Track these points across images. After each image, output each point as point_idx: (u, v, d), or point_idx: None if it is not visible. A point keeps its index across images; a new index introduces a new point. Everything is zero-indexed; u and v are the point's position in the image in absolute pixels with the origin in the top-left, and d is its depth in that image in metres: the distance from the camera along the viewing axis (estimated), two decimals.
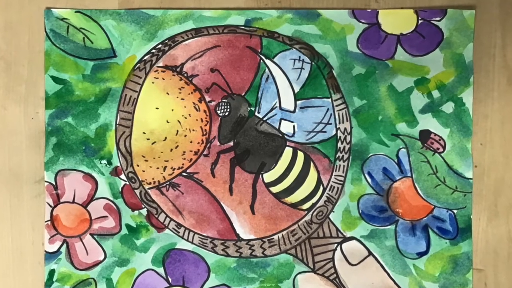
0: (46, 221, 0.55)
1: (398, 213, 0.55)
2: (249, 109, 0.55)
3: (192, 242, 0.55)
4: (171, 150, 0.54)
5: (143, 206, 0.55)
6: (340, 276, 0.55)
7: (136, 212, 0.55)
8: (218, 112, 0.55)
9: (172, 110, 0.54)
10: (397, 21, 0.54)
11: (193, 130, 0.54)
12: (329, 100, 0.55)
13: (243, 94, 0.55)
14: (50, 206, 0.55)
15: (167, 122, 0.54)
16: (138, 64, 0.55)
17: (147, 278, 0.55)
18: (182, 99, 0.54)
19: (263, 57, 0.55)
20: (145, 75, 0.55)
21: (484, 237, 0.55)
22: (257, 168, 0.55)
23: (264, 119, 0.55)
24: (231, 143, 0.55)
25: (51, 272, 0.55)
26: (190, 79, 0.55)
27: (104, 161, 0.55)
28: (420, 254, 0.55)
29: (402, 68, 0.54)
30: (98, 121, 0.55)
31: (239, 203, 0.55)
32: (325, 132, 0.54)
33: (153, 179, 0.55)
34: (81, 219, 0.55)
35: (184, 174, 0.55)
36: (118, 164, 0.55)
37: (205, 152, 0.55)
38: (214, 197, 0.55)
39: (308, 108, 0.54)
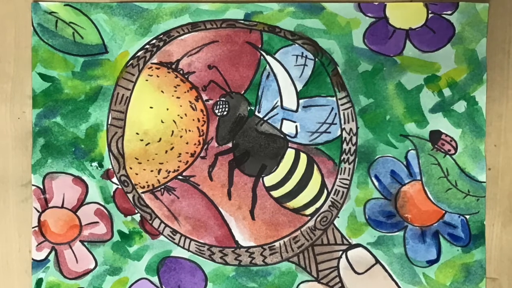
0: (33, 227, 0.54)
1: (407, 219, 0.54)
2: (248, 108, 0.54)
3: (188, 250, 0.54)
4: (166, 151, 0.54)
5: (136, 211, 0.54)
6: (346, 286, 0.54)
7: (129, 217, 0.54)
8: (216, 111, 0.54)
9: (167, 109, 0.53)
10: (406, 15, 0.53)
11: (190, 130, 0.53)
12: (334, 98, 0.54)
13: (242, 93, 0.54)
14: (38, 211, 0.54)
15: (162, 122, 0.53)
16: (131, 61, 0.54)
17: (141, 287, 0.54)
18: (178, 97, 0.54)
19: (263, 53, 0.54)
20: (139, 72, 0.54)
21: (498, 244, 0.54)
22: (257, 171, 0.54)
23: (265, 119, 0.54)
24: (230, 145, 0.54)
25: (39, 282, 0.54)
26: (186, 76, 0.54)
27: (95, 164, 0.54)
28: (431, 262, 0.54)
29: (411, 65, 0.53)
30: (88, 121, 0.54)
31: (238, 208, 0.54)
32: (329, 132, 0.54)
33: (147, 182, 0.54)
34: (71, 225, 0.54)
35: (179, 177, 0.54)
36: (110, 167, 0.54)
37: (202, 154, 0.54)
38: (212, 202, 0.54)
39: (311, 107, 0.54)
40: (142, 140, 0.54)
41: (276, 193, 0.54)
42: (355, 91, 0.54)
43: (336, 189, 0.54)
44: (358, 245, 0.54)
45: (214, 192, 0.54)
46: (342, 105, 0.54)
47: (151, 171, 0.54)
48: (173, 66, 0.54)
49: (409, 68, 0.53)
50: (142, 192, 0.54)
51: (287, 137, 0.54)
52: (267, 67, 0.54)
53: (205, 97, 0.54)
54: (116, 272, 0.54)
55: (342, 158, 0.54)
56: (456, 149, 0.53)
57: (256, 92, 0.54)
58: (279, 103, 0.54)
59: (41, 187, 0.54)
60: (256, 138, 0.54)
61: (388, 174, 0.54)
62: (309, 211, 0.54)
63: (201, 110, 0.54)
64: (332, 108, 0.54)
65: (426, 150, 0.53)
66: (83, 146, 0.54)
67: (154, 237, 0.54)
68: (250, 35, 0.54)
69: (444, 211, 0.54)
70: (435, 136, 0.53)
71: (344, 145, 0.54)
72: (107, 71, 0.54)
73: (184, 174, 0.54)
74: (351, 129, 0.54)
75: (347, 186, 0.54)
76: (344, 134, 0.54)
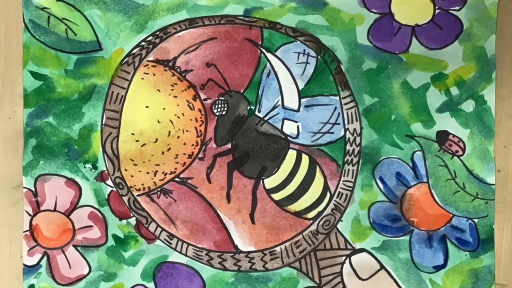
0: (24, 232, 0.54)
1: (413, 223, 0.53)
2: (248, 107, 0.53)
3: (185, 255, 0.54)
4: (163, 153, 0.53)
5: (131, 215, 0.54)
6: None
7: (124, 221, 0.54)
8: (215, 111, 0.53)
9: (164, 109, 0.53)
10: (411, 11, 0.53)
11: (187, 131, 0.53)
12: (337, 97, 0.53)
13: (242, 91, 0.53)
14: (29, 214, 0.54)
15: (158, 122, 0.53)
16: (126, 58, 0.54)
17: None
18: (175, 96, 0.53)
19: (264, 51, 0.53)
20: (134, 71, 0.53)
21: (508, 249, 0.54)
22: (257, 172, 0.53)
23: (265, 118, 0.54)
24: (229, 145, 0.53)
25: None
26: (183, 74, 0.53)
27: (88, 165, 0.54)
28: (437, 268, 0.53)
29: (418, 62, 0.53)
30: (82, 121, 0.53)
31: (238, 212, 0.54)
32: (332, 133, 0.53)
33: (142, 185, 0.53)
34: (64, 229, 0.54)
35: (177, 179, 0.53)
36: (104, 169, 0.54)
37: (200, 155, 0.53)
38: (210, 205, 0.54)
39: (313, 106, 0.53)
40: (137, 140, 0.53)
41: (277, 196, 0.53)
42: (359, 90, 0.53)
43: (339, 192, 0.53)
44: (362, 250, 0.53)
45: (213, 195, 0.53)
46: (345, 104, 0.53)
47: (147, 173, 0.53)
48: (170, 64, 0.53)
49: (415, 66, 0.53)
50: (138, 195, 0.53)
51: (289, 137, 0.53)
52: (268, 65, 0.53)
53: (203, 96, 0.53)
54: (111, 278, 0.54)
55: (345, 159, 0.53)
56: (464, 150, 0.53)
57: (256, 91, 0.53)
58: (280, 103, 0.53)
59: (33, 189, 0.53)
60: (256, 138, 0.53)
61: (394, 176, 0.53)
62: (311, 214, 0.53)
63: (199, 110, 0.53)
64: (335, 108, 0.53)
65: (432, 151, 0.53)
66: (76, 147, 0.53)
67: (150, 242, 0.54)
68: (250, 31, 0.53)
69: (451, 215, 0.53)
70: (442, 136, 0.53)
71: (348, 146, 0.53)
72: (101, 69, 0.53)
73: (181, 176, 0.53)
74: (355, 130, 0.53)
75: (350, 188, 0.53)
76: (348, 135, 0.53)
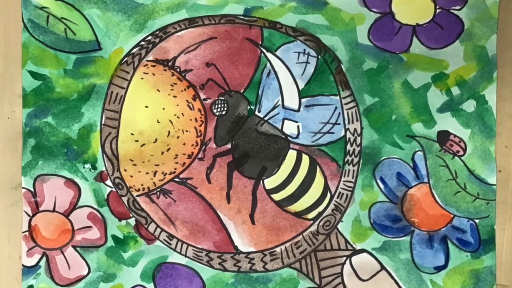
0: (23, 232, 0.53)
1: (413, 223, 0.53)
2: (248, 107, 0.53)
3: (185, 255, 0.54)
4: (162, 153, 0.53)
5: (131, 215, 0.54)
6: None
7: (124, 221, 0.54)
8: (214, 111, 0.53)
9: (163, 108, 0.53)
10: (412, 10, 0.53)
11: (187, 131, 0.53)
12: (337, 97, 0.53)
13: (242, 91, 0.53)
14: (28, 215, 0.53)
15: (158, 122, 0.53)
16: (126, 58, 0.53)
17: None
18: (174, 96, 0.53)
19: (264, 50, 0.53)
20: (134, 70, 0.53)
21: (509, 249, 0.53)
22: (257, 173, 0.53)
23: (265, 118, 0.53)
24: (229, 146, 0.53)
25: None
26: (183, 74, 0.53)
27: (88, 166, 0.53)
28: (438, 269, 0.53)
29: (418, 62, 0.53)
30: (81, 121, 0.53)
31: (238, 212, 0.53)
32: (332, 133, 0.53)
33: (142, 185, 0.53)
34: (63, 230, 0.53)
35: (176, 179, 0.53)
36: (104, 169, 0.53)
37: (199, 156, 0.53)
38: (210, 205, 0.53)
39: (314, 106, 0.53)
40: (137, 140, 0.53)
41: (277, 196, 0.53)
42: (360, 90, 0.53)
43: (339, 192, 0.53)
44: (362, 251, 0.53)
45: (212, 195, 0.53)
46: (346, 104, 0.53)
47: (147, 173, 0.53)
48: (170, 64, 0.53)
49: (416, 65, 0.53)
50: (137, 195, 0.53)
51: (289, 137, 0.53)
52: (268, 64, 0.53)
53: (203, 96, 0.53)
54: (110, 278, 0.53)
55: (346, 159, 0.53)
56: (465, 150, 0.53)
57: (256, 90, 0.53)
58: (280, 102, 0.53)
59: (32, 190, 0.53)
60: (256, 139, 0.53)
61: (394, 176, 0.53)
62: (311, 215, 0.53)
63: (199, 110, 0.53)
64: (336, 108, 0.53)
65: (433, 151, 0.53)
66: (75, 147, 0.53)
67: (149, 242, 0.53)
68: (250, 31, 0.53)
69: (452, 215, 0.53)
70: (443, 136, 0.53)
71: (348, 146, 0.53)
72: (101, 68, 0.53)
73: (181, 176, 0.53)
74: (355, 130, 0.53)
75: (351, 189, 0.53)
76: (348, 135, 0.53)
